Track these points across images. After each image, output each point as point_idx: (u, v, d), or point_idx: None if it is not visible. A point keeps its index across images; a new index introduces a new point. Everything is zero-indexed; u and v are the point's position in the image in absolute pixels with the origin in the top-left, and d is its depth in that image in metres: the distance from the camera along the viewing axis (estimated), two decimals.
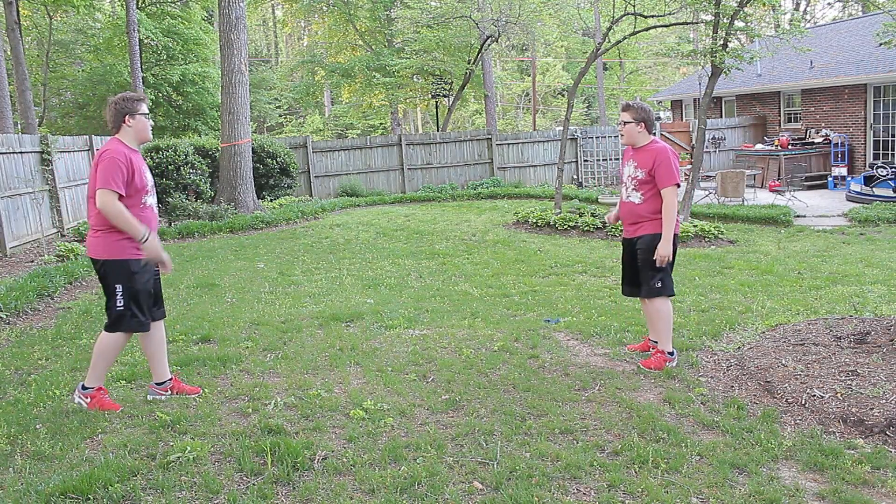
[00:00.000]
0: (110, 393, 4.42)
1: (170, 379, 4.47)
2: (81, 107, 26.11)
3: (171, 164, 14.42)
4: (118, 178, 3.95)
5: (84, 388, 4.28)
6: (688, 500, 3.12)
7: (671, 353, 4.87)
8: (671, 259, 4.80)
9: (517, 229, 12.19)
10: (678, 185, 4.72)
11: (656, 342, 5.06)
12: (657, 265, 4.73)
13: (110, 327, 4.19)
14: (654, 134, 4.91)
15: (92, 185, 4.03)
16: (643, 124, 4.79)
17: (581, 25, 32.54)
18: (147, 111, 4.22)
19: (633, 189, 4.84)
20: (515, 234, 11.68)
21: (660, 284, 4.78)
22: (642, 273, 4.86)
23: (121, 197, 3.98)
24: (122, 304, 4.12)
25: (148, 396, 4.42)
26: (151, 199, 4.26)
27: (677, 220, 4.82)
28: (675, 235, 4.84)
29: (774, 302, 6.53)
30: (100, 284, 4.28)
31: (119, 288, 4.10)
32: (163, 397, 4.40)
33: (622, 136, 4.93)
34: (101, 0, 28.22)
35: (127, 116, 4.11)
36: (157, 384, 4.45)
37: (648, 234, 4.78)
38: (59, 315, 6.98)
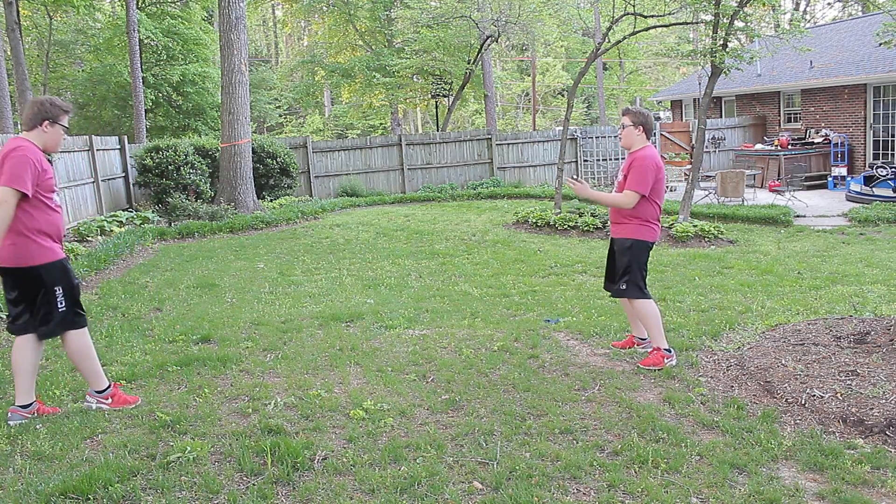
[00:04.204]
0: None
1: (34, 402, 4.14)
2: (81, 107, 26.12)
3: (171, 164, 14.41)
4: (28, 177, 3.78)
5: (98, 392, 4.19)
6: (688, 500, 3.13)
7: (668, 350, 4.90)
8: (643, 262, 4.91)
9: (517, 229, 12.19)
10: (644, 196, 4.75)
11: (643, 339, 5.19)
12: (633, 266, 4.85)
13: (51, 334, 3.99)
14: (650, 140, 5.00)
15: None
16: (642, 128, 4.89)
17: (581, 25, 32.54)
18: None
19: (617, 191, 4.98)
20: (515, 234, 11.68)
21: (624, 287, 4.90)
22: (616, 272, 5.00)
23: (25, 196, 3.80)
24: (63, 304, 3.97)
25: (9, 422, 4.02)
26: (58, 198, 4.08)
27: (655, 227, 4.89)
28: (651, 242, 4.91)
29: (774, 302, 6.53)
30: (21, 293, 3.94)
31: (59, 290, 3.95)
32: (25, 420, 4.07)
33: (621, 138, 5.04)
34: (101, 0, 28.22)
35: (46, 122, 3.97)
36: (21, 407, 4.09)
37: (622, 237, 4.93)
38: None
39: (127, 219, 13.43)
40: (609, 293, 5.21)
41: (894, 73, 14.93)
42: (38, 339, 4.07)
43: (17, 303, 4.00)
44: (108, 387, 4.22)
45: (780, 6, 17.78)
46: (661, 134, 19.39)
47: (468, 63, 22.71)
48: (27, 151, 3.83)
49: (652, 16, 13.14)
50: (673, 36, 36.03)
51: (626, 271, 4.87)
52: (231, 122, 14.65)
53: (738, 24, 11.24)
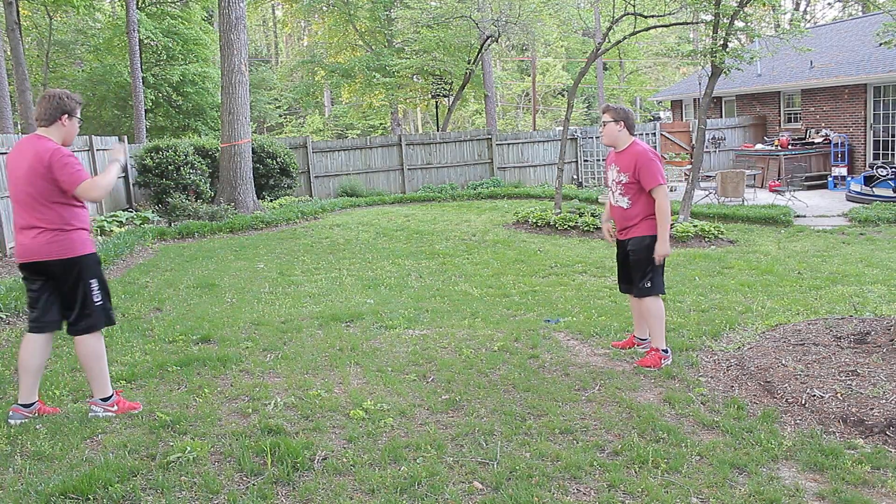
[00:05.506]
0: None
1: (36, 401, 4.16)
2: (81, 107, 26.09)
3: (171, 164, 14.41)
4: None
5: (104, 399, 4.13)
6: (688, 500, 3.12)
7: (665, 351, 4.89)
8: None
9: (517, 229, 12.19)
10: (664, 185, 4.74)
11: (643, 339, 5.17)
12: (655, 263, 4.79)
13: (93, 327, 4.01)
14: (635, 135, 4.97)
15: (30, 186, 3.84)
16: (622, 123, 4.85)
17: (581, 25, 32.54)
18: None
19: (620, 194, 4.90)
20: (515, 234, 11.68)
21: (649, 284, 4.85)
22: (633, 273, 4.93)
23: (65, 192, 3.88)
24: (99, 298, 4.00)
25: (10, 421, 4.04)
26: None
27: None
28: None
29: (774, 302, 6.53)
30: (52, 288, 3.95)
31: (95, 282, 3.99)
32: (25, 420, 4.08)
33: (602, 136, 5.00)
34: (101, 0, 28.22)
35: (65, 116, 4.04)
36: (23, 406, 4.09)
37: (638, 235, 4.85)
38: None
39: (127, 219, 13.42)
40: (627, 293, 5.15)
41: (894, 73, 14.93)
42: (85, 334, 4.04)
43: (38, 299, 4.00)
44: (112, 395, 4.20)
45: (780, 6, 17.78)
46: (661, 134, 19.38)
47: (468, 63, 22.71)
48: (64, 152, 3.92)
49: (652, 16, 13.13)
50: (673, 36, 36.03)
51: (649, 269, 4.81)
52: (231, 122, 14.65)
53: (739, 24, 11.24)
